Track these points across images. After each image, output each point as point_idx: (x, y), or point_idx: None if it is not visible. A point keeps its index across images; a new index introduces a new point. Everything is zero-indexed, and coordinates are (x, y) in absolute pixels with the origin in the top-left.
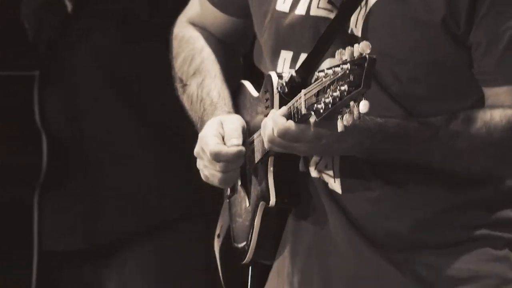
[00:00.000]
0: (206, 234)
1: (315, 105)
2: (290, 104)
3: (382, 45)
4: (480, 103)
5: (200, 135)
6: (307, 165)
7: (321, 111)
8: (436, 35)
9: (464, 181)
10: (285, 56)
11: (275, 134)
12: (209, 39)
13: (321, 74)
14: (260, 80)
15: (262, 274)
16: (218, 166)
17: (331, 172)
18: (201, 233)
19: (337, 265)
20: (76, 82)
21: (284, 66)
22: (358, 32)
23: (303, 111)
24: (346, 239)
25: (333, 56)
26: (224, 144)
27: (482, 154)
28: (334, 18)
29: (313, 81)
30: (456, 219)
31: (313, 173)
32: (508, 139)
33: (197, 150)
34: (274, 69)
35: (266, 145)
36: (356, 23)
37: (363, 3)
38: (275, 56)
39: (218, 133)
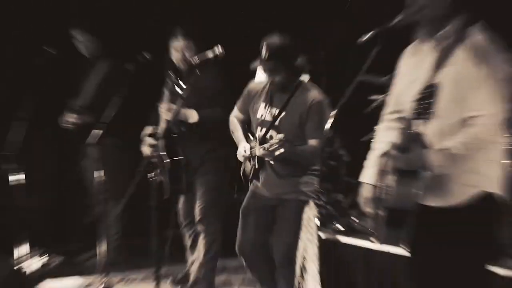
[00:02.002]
0: None
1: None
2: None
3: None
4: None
5: (241, 144)
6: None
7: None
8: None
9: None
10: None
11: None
12: (238, 119)
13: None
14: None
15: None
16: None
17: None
18: None
19: (267, 178)
20: None
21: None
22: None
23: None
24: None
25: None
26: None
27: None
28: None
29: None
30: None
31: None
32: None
33: (239, 150)
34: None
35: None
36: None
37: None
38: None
39: (247, 146)
